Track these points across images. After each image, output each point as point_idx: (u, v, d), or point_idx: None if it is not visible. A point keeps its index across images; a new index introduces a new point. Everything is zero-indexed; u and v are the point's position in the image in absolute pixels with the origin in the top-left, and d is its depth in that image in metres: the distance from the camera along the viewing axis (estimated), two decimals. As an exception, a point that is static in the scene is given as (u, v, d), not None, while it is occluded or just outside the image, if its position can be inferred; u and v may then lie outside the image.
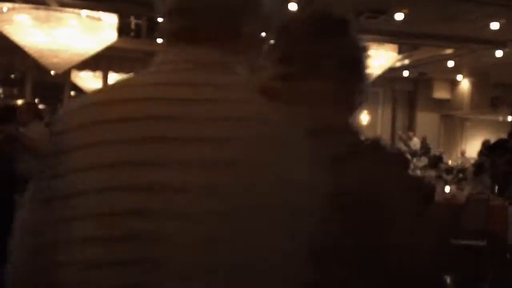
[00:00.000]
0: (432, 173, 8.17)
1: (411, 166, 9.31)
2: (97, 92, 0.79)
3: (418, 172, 8.66)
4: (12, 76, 13.94)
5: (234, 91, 0.71)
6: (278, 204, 0.65)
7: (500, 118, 14.40)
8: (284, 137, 0.68)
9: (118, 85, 0.78)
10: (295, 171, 0.67)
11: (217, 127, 0.66)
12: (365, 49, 1.02)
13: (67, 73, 10.82)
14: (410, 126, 15.63)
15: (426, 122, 15.59)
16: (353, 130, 0.91)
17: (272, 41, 0.97)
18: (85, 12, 8.09)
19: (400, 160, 1.02)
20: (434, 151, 12.48)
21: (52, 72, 8.99)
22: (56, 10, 8.03)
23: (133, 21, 11.87)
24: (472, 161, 9.63)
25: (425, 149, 12.32)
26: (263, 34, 0.83)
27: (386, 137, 14.95)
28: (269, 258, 0.64)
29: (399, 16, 8.29)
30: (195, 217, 0.62)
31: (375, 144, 0.96)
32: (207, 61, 0.73)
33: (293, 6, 8.04)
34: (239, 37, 0.77)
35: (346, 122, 0.87)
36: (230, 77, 0.73)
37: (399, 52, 11.26)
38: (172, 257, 0.62)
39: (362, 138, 0.96)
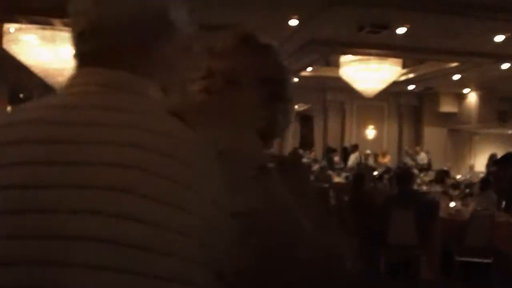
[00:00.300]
0: (437, 188, 8.07)
1: (418, 181, 9.22)
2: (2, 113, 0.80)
3: (424, 188, 8.57)
4: (21, 95, 14.10)
5: (139, 113, 0.70)
6: (186, 221, 0.65)
7: (510, 132, 14.30)
8: (191, 157, 0.68)
9: (23, 107, 0.78)
10: (205, 189, 0.67)
11: (109, 150, 0.66)
12: (288, 72, 1.04)
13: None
14: (417, 141, 15.56)
15: (433, 137, 15.51)
16: (264, 151, 0.89)
17: (196, 60, 1.01)
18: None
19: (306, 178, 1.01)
20: (442, 165, 12.38)
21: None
22: (61, 30, 8.13)
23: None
24: (482, 176, 9.53)
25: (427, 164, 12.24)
26: (178, 55, 0.83)
27: (392, 152, 14.89)
28: (179, 269, 0.64)
29: (401, 31, 8.29)
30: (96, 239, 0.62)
31: (287, 163, 0.97)
32: (115, 83, 0.73)
33: (294, 22, 8.10)
34: (151, 59, 0.77)
35: (257, 142, 0.84)
36: (137, 99, 0.73)
37: (404, 67, 11.25)
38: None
39: (274, 157, 0.96)
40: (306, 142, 16.73)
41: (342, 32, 8.58)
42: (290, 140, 15.78)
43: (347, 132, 15.70)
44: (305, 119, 17.61)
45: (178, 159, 0.67)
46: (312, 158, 13.31)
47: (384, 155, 13.72)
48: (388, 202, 5.59)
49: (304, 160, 11.81)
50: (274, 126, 1.01)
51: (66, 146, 0.66)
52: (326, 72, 12.67)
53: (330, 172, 10.14)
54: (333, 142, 14.66)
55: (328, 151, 13.08)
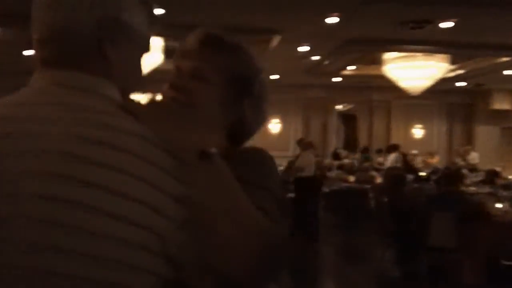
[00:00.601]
0: (486, 189, 7.70)
1: (467, 181, 8.82)
2: None
3: (472, 188, 8.19)
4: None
5: (86, 110, 0.75)
6: (129, 203, 0.70)
7: None
8: (132, 146, 0.72)
9: None
10: (149, 175, 0.72)
11: (47, 140, 0.72)
12: (257, 70, 1.08)
13: (117, 95, 11.17)
14: (468, 140, 14.98)
15: (486, 136, 14.89)
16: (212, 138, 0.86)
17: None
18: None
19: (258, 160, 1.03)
20: (494, 165, 11.83)
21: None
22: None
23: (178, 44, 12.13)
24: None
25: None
26: (137, 56, 0.88)
27: (442, 152, 14.39)
28: (121, 250, 0.70)
29: (447, 25, 7.98)
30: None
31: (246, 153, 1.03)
32: (67, 82, 0.79)
33: (332, 20, 7.95)
34: (108, 60, 0.82)
35: (205, 130, 0.83)
36: (86, 96, 0.78)
37: (452, 63, 10.81)
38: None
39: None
40: (350, 143, 16.45)
41: (383, 29, 8.34)
42: (334, 141, 15.57)
43: (393, 132, 15.31)
44: (349, 119, 17.33)
45: (117, 148, 0.72)
46: (357, 159, 13.04)
47: (432, 155, 13.27)
48: (429, 204, 5.37)
49: (346, 161, 11.58)
50: (244, 123, 1.06)
51: (10, 140, 0.73)
52: (370, 70, 12.39)
53: (374, 173, 9.88)
54: (378, 142, 14.32)
55: (363, 151, 12.78)
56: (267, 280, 0.84)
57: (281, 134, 14.67)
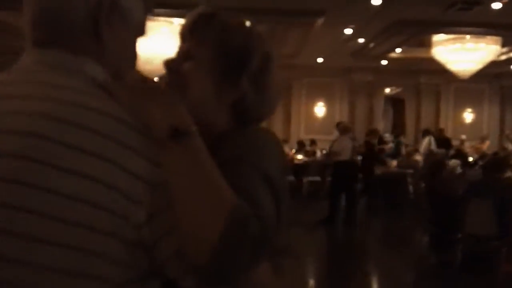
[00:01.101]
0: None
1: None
2: None
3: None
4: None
5: (62, 89, 0.75)
6: (99, 186, 0.69)
7: None
8: (105, 128, 0.71)
9: None
10: (122, 159, 0.71)
11: (20, 119, 0.71)
12: (256, 45, 1.00)
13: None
14: (521, 125, 14.36)
15: (540, 120, 14.23)
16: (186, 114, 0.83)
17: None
18: (177, 20, 8.48)
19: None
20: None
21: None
22: (151, 20, 8.50)
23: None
24: None
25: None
26: (131, 40, 0.88)
27: (493, 138, 13.89)
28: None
29: (496, 6, 7.67)
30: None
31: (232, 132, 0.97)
32: (53, 63, 0.80)
33: (377, 1, 7.80)
34: (101, 43, 0.82)
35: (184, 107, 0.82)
36: (69, 77, 0.78)
37: (503, 45, 10.38)
38: None
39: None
40: (398, 127, 16.12)
41: (429, 10, 8.11)
42: (381, 125, 15.31)
43: (442, 116, 14.89)
44: (397, 103, 16.95)
45: (82, 127, 0.70)
46: (404, 143, 12.79)
47: (482, 140, 12.85)
48: (468, 190, 5.26)
49: (391, 145, 11.39)
50: (245, 101, 0.99)
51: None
52: (417, 53, 12.06)
53: (418, 157, 9.70)
54: (426, 127, 13.99)
55: (396, 136, 12.47)
56: (243, 269, 0.78)
57: (325, 117, 14.58)
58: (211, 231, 0.72)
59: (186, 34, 1.01)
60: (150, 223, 0.72)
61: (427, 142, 11.16)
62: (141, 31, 0.89)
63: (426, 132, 11.73)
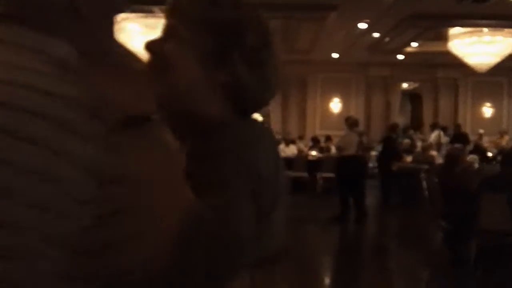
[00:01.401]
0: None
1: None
2: None
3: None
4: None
5: (10, 68, 0.69)
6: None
7: None
8: (46, 111, 0.64)
9: None
10: (69, 144, 0.63)
11: None
12: (252, 19, 0.91)
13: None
14: (542, 119, 14.09)
15: (562, 114, 13.94)
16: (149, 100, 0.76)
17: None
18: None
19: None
20: None
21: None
22: (162, 17, 8.55)
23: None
24: None
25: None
26: (107, 20, 0.80)
27: (513, 132, 13.66)
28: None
29: (513, -2, 7.52)
30: None
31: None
32: (10, 39, 0.73)
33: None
34: (77, 17, 0.75)
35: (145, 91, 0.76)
36: (23, 55, 0.71)
37: (522, 38, 10.17)
38: None
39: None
40: (415, 122, 15.93)
41: (443, 2, 7.99)
42: (399, 120, 15.16)
43: (460, 110, 14.67)
44: (415, 98, 16.75)
45: (19, 109, 0.63)
46: (421, 138, 12.64)
47: (502, 134, 12.63)
48: (483, 185, 5.17)
49: (406, 140, 11.24)
50: (238, 81, 0.89)
51: None
52: (433, 47, 11.90)
53: (434, 152, 9.56)
54: (445, 122, 13.81)
55: (404, 131, 12.29)
56: (209, 274, 0.71)
57: (341, 113, 14.49)
58: (164, 232, 0.66)
59: (168, 12, 0.91)
60: (101, 226, 0.63)
61: (436, 136, 11.01)
62: (119, 9, 0.80)
63: (434, 126, 11.57)
